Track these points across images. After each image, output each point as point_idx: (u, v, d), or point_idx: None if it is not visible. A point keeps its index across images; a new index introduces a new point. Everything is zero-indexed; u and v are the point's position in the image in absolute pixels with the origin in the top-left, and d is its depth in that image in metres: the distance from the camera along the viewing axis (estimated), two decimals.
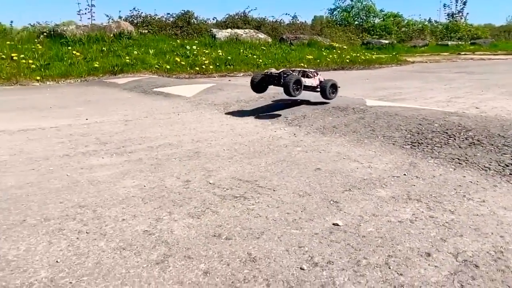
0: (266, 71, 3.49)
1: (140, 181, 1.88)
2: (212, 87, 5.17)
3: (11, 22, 10.23)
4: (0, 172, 1.99)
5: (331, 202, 1.61)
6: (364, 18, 24.44)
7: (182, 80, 7.30)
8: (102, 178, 1.92)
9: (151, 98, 4.89)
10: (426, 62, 12.65)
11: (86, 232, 1.35)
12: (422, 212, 1.50)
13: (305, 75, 3.46)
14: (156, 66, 8.36)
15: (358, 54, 11.58)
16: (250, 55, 9.80)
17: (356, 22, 23.51)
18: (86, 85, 6.76)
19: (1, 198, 1.65)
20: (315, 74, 3.52)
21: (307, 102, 3.67)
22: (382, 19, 23.98)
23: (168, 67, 8.44)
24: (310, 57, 10.30)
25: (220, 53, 9.47)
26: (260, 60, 9.55)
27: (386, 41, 17.49)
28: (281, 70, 3.37)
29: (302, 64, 9.77)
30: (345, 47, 12.65)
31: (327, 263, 1.17)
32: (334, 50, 11.63)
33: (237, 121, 3.28)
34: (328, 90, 3.45)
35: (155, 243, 1.29)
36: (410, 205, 1.57)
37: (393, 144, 2.43)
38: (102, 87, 6.27)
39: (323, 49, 11.51)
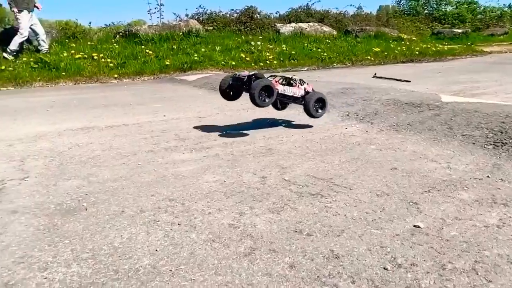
0: (236, 73, 3.03)
1: (220, 176, 1.99)
2: None
3: (90, 23, 10.95)
4: (96, 166, 2.21)
5: (411, 203, 1.60)
6: (435, 6, 23.07)
7: None
8: (186, 173, 2.06)
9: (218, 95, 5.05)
10: (506, 52, 11.72)
11: (178, 224, 1.48)
12: (510, 217, 1.45)
13: (288, 82, 2.93)
14: (222, 62, 8.59)
15: (429, 46, 11.02)
16: (314, 49, 9.72)
17: (426, 11, 22.27)
18: (159, 82, 7.14)
19: (101, 190, 1.84)
20: (301, 83, 2.95)
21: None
22: (454, 6, 22.48)
23: (233, 63, 8.64)
24: (377, 49, 9.98)
25: (284, 48, 9.50)
26: (325, 54, 9.44)
27: (459, 31, 16.39)
28: (252, 73, 2.86)
29: (369, 57, 9.51)
30: (414, 38, 12.08)
31: (411, 265, 1.18)
32: (403, 42, 11.16)
33: (306, 118, 3.31)
34: (312, 104, 2.86)
35: (241, 236, 1.38)
36: (496, 209, 1.52)
37: (473, 143, 2.33)
38: (173, 84, 6.60)
39: (390, 41, 11.09)
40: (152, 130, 3.10)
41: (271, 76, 2.95)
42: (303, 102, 2.92)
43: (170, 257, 1.25)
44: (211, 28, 11.38)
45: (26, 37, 7.33)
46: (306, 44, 9.91)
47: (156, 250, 1.29)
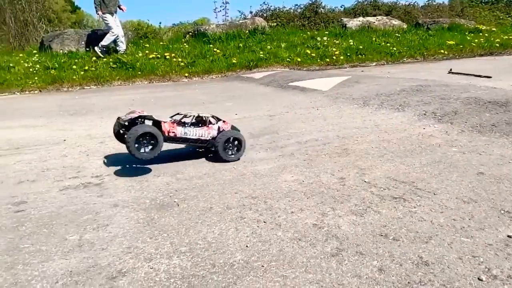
0: (124, 115, 2.28)
1: (298, 176, 2.04)
2: (348, 80, 5.17)
3: (160, 23, 11.57)
4: (181, 164, 2.35)
5: (502, 211, 1.53)
6: None
7: (314, 72, 7.41)
8: (264, 171, 2.14)
9: (288, 92, 5.10)
10: None
11: (264, 222, 1.55)
12: None
13: (198, 122, 2.38)
14: (287, 59, 8.63)
15: (511, 37, 10.18)
16: (383, 43, 9.41)
17: None
18: (226, 80, 7.34)
19: (188, 187, 1.97)
20: (213, 121, 2.41)
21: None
22: None
23: (299, 59, 8.64)
24: (451, 42, 9.43)
25: (351, 43, 9.30)
26: (394, 48, 9.11)
27: None
28: (136, 115, 2.20)
29: (442, 51, 9.02)
30: (493, 29, 11.22)
31: (508, 277, 1.14)
32: (480, 34, 10.42)
33: (380, 117, 3.25)
34: (222, 147, 2.30)
35: (326, 237, 1.41)
36: None
37: None
38: (241, 82, 6.75)
39: (466, 33, 10.42)
40: None
41: (176, 115, 2.43)
42: (212, 146, 2.35)
43: (260, 254, 1.32)
44: (275, 24, 11.46)
45: (116, 35, 7.92)
46: (374, 39, 9.63)
47: (247, 246, 1.37)
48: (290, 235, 1.43)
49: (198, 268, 1.25)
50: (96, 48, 7.88)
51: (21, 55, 8.33)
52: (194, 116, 2.38)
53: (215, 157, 2.35)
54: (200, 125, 2.37)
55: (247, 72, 8.01)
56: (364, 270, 1.21)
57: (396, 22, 10.96)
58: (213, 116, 2.45)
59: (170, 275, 1.23)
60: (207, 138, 2.34)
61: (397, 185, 1.84)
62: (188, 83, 7.29)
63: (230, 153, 2.34)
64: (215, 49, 8.78)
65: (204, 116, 2.40)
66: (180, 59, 8.25)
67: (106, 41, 7.86)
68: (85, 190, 1.97)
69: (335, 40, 9.55)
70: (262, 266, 1.25)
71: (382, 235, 1.41)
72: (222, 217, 1.61)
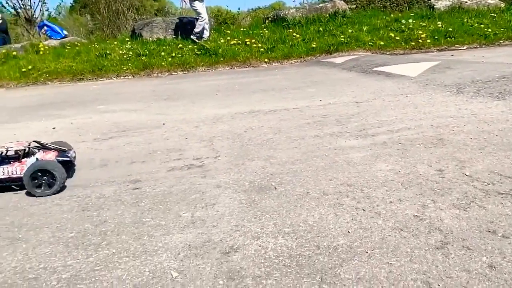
0: None
1: (393, 166, 2.02)
2: (438, 65, 4.89)
3: (239, 8, 11.78)
4: (272, 149, 2.45)
5: None
6: None
7: (398, 56, 7.10)
8: (356, 159, 2.15)
9: (372, 78, 4.97)
10: None
11: (363, 210, 1.58)
12: None
13: (8, 157, 2.06)
14: (369, 43, 8.35)
15: None
16: (476, 24, 8.68)
17: None
18: (306, 65, 7.33)
19: (283, 171, 2.06)
20: (28, 154, 2.07)
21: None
22: None
23: (381, 43, 8.31)
24: None
25: (440, 25, 8.72)
26: (489, 30, 8.37)
27: None
28: None
29: None
30: None
31: None
32: None
33: (477, 106, 3.06)
34: (28, 179, 1.89)
35: (429, 229, 1.41)
36: None
37: None
38: (321, 67, 6.70)
39: None
40: (313, 115, 3.26)
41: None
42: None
43: (362, 240, 1.36)
44: (354, 6, 11.07)
45: (206, 20, 8.30)
46: (466, 20, 8.91)
47: (348, 232, 1.42)
48: (391, 225, 1.45)
49: (304, 249, 1.33)
50: (192, 37, 8.30)
51: (115, 42, 9.03)
52: (1, 151, 2.06)
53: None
54: (10, 161, 2.03)
55: (327, 56, 7.91)
56: (473, 265, 1.20)
57: (492, 1, 10.01)
58: (29, 148, 2.10)
59: (278, 253, 1.32)
60: (19, 176, 1.96)
61: (502, 180, 1.76)
62: (268, 68, 7.40)
63: (42, 189, 1.92)
64: (294, 34, 8.77)
65: (17, 150, 2.08)
66: (260, 45, 8.38)
67: (198, 28, 8.26)
68: (189, 172, 2.15)
69: (421, 22, 9.00)
70: (366, 252, 1.30)
71: (489, 231, 1.37)
72: (320, 202, 1.67)
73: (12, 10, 16.14)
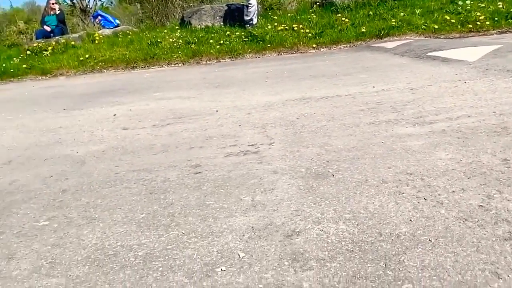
0: None
1: (454, 155, 1.97)
2: (499, 49, 4.63)
3: None
4: (326, 136, 2.46)
5: None
6: None
7: (454, 40, 6.77)
8: (415, 147, 2.12)
9: (427, 63, 4.79)
10: None
11: (424, 198, 1.57)
12: None
13: None
14: (422, 26, 8.01)
15: None
16: None
17: None
18: (355, 50, 7.17)
19: (339, 158, 2.07)
20: None
21: None
22: None
23: (435, 26, 7.94)
24: None
25: (500, 6, 8.18)
26: None
27: None
28: None
29: None
30: None
31: None
32: None
33: None
34: None
35: (495, 220, 1.38)
36: None
37: None
38: (372, 52, 6.53)
39: None
40: (366, 102, 3.21)
41: None
42: None
43: (425, 229, 1.36)
44: None
45: (255, 6, 8.34)
46: None
47: (410, 220, 1.42)
48: (455, 214, 1.44)
49: (366, 235, 1.35)
50: (247, 26, 8.36)
51: (165, 31, 9.28)
52: None
53: None
54: None
55: (377, 41, 7.69)
56: None
57: None
58: None
59: (340, 238, 1.35)
60: None
61: None
62: (316, 54, 7.31)
63: None
64: (343, 19, 8.58)
65: None
66: (307, 30, 8.28)
67: (248, 15, 8.32)
68: (246, 157, 2.21)
69: (479, 4, 8.49)
70: (430, 240, 1.30)
71: None
72: (379, 190, 1.67)
73: (68, 1, 16.95)
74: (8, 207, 1.85)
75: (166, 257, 1.33)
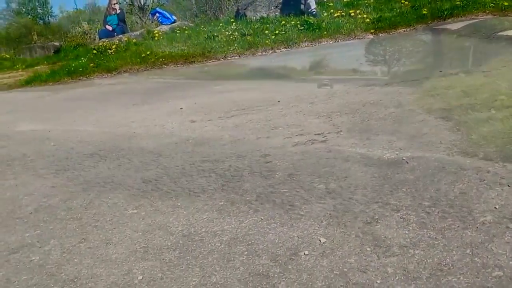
0: None
1: None
2: None
3: None
4: (396, 123, 2.41)
5: None
6: None
7: None
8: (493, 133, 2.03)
9: (498, 44, 4.49)
10: None
11: (508, 185, 1.51)
12: None
13: None
14: (490, 4, 7.46)
15: None
16: None
17: None
18: (416, 33, 6.86)
19: (412, 145, 2.03)
20: None
21: None
22: None
23: (506, 4, 7.37)
24: None
25: None
26: None
27: None
28: None
29: None
30: None
31: None
32: None
33: None
34: None
35: None
36: None
37: None
38: (434, 34, 6.23)
39: None
40: (435, 87, 3.09)
41: None
42: None
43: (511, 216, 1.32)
44: None
45: None
46: None
47: (495, 208, 1.38)
48: None
49: (448, 223, 1.34)
50: (313, 13, 8.30)
51: (221, 24, 9.43)
52: None
53: None
54: None
55: (440, 23, 7.29)
56: None
57: None
58: None
59: (420, 225, 1.35)
60: None
61: None
62: (375, 39, 7.10)
63: None
64: (402, 1, 8.22)
65: None
66: (365, 15, 8.04)
67: (308, 5, 8.24)
68: (314, 146, 2.24)
69: None
70: None
71: None
72: (458, 177, 1.63)
73: (127, 0, 17.71)
74: (98, 197, 2.02)
75: (250, 242, 1.40)
